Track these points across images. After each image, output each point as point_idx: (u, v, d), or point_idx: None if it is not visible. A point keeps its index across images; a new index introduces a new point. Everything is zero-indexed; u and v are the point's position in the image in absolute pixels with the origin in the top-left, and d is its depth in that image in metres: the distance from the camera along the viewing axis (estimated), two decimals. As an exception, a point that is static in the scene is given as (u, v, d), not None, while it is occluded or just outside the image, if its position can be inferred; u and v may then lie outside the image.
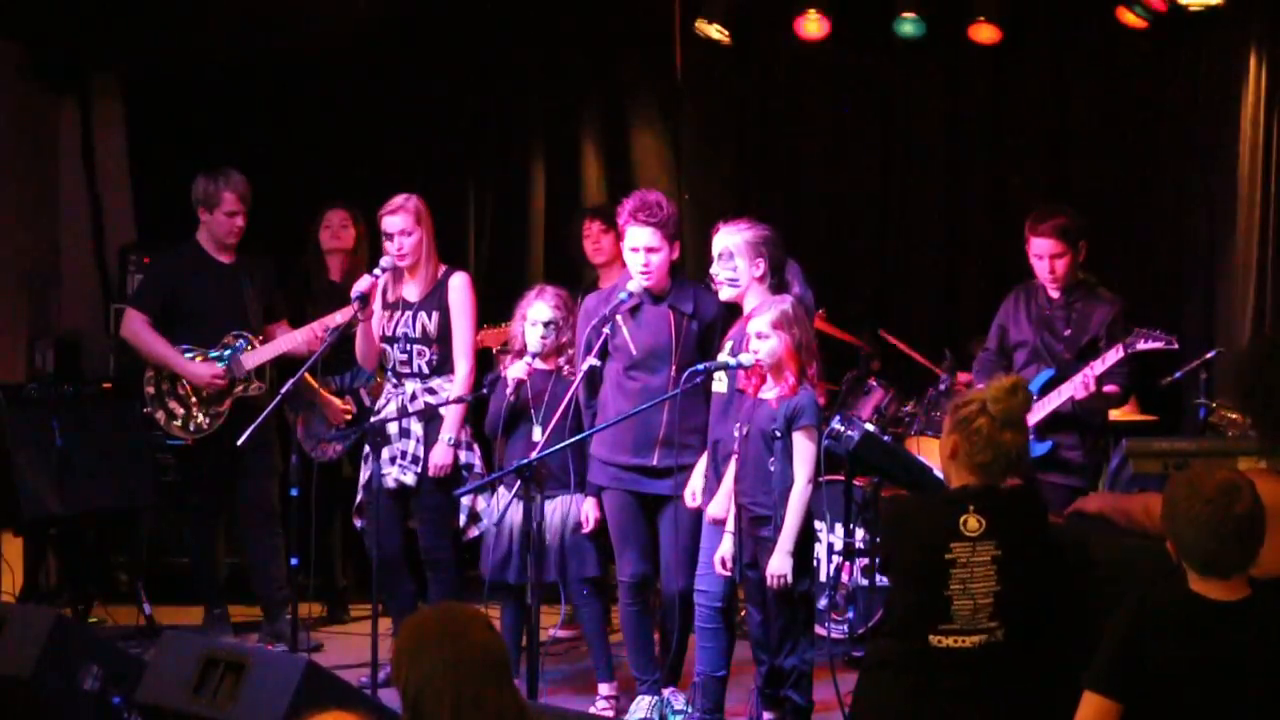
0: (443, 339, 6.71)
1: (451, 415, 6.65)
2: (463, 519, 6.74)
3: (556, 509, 6.42)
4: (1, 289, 8.58)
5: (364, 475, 6.82)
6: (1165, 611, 3.72)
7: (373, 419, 6.84)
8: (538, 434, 6.30)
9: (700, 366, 5.79)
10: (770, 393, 5.69)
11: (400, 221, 6.67)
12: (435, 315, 6.71)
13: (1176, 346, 6.37)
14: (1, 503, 7.49)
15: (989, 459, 4.29)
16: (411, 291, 6.77)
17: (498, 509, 6.46)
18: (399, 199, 6.72)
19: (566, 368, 6.48)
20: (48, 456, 7.40)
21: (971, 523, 4.25)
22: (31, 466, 7.41)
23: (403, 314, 6.75)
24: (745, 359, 5.68)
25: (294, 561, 6.67)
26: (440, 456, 6.63)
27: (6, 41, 8.61)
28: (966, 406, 4.33)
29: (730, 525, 5.79)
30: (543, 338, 6.45)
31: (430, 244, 6.75)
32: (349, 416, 7.64)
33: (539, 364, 6.44)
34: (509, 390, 6.43)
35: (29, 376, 8.35)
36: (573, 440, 6.02)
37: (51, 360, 8.41)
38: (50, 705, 5.23)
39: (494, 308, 7.29)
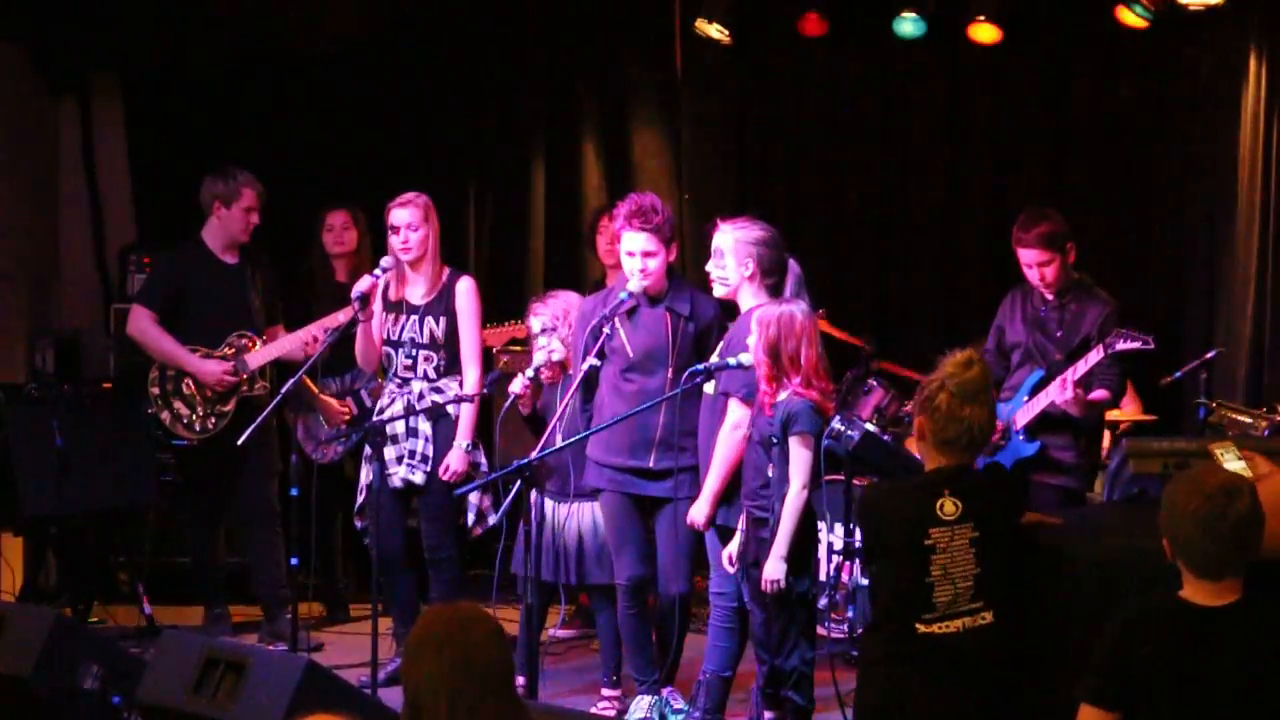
0: (450, 343, 6.72)
1: (465, 420, 6.66)
2: (470, 518, 6.74)
3: (572, 514, 6.42)
4: (1, 289, 8.58)
5: (364, 476, 6.82)
6: (1153, 619, 3.70)
7: (374, 419, 6.84)
8: (559, 440, 6.27)
9: (700, 366, 5.79)
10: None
11: (408, 215, 6.70)
12: (443, 320, 6.72)
13: (1153, 347, 6.25)
14: (1, 503, 7.49)
15: (952, 435, 4.30)
16: (415, 294, 6.77)
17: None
18: (409, 194, 6.77)
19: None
20: (48, 456, 7.39)
21: (948, 506, 4.25)
22: (31, 466, 7.41)
23: (408, 318, 6.75)
24: (745, 358, 5.68)
25: (294, 561, 6.67)
26: (456, 463, 6.65)
27: (6, 42, 8.61)
28: (928, 386, 4.36)
29: (740, 524, 5.79)
30: (542, 348, 6.45)
31: (435, 245, 6.76)
32: (348, 417, 7.63)
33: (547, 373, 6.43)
34: (508, 404, 6.41)
35: (29, 376, 8.34)
36: (570, 441, 6.01)
37: (51, 360, 8.40)
38: (50, 705, 5.24)
39: (494, 307, 7.28)
